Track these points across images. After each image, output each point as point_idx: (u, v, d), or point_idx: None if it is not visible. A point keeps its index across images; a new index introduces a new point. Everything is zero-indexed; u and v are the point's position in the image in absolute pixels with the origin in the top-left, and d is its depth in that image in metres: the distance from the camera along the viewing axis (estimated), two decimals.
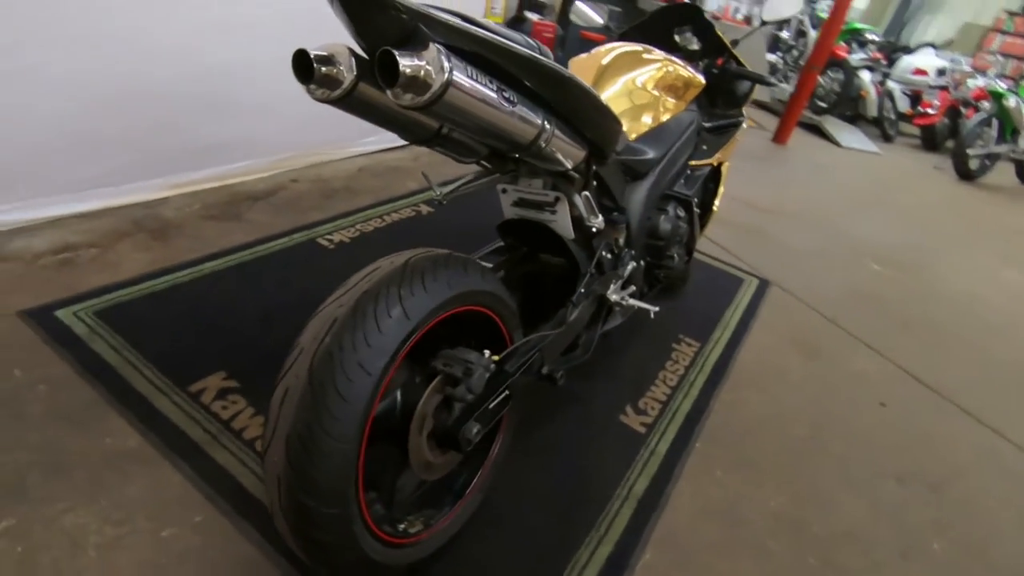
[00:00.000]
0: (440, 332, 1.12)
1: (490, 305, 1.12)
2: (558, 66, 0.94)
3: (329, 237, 2.26)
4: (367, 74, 0.87)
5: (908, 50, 7.89)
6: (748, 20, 9.01)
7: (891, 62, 7.48)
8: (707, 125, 1.85)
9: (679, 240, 1.67)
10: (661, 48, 1.84)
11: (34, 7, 1.73)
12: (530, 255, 1.51)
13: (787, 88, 6.49)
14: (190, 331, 1.64)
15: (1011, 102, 5.85)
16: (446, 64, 0.77)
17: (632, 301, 1.51)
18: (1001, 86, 6.06)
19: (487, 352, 1.07)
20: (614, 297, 1.47)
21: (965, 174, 5.93)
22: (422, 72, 0.77)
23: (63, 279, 1.75)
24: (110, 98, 1.96)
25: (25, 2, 1.71)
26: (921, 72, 7.09)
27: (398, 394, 1.04)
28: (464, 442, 1.04)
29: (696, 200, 1.82)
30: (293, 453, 0.84)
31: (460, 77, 0.80)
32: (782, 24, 8.17)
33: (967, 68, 7.56)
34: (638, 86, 1.58)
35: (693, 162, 1.75)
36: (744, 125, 1.97)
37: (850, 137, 6.39)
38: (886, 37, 8.96)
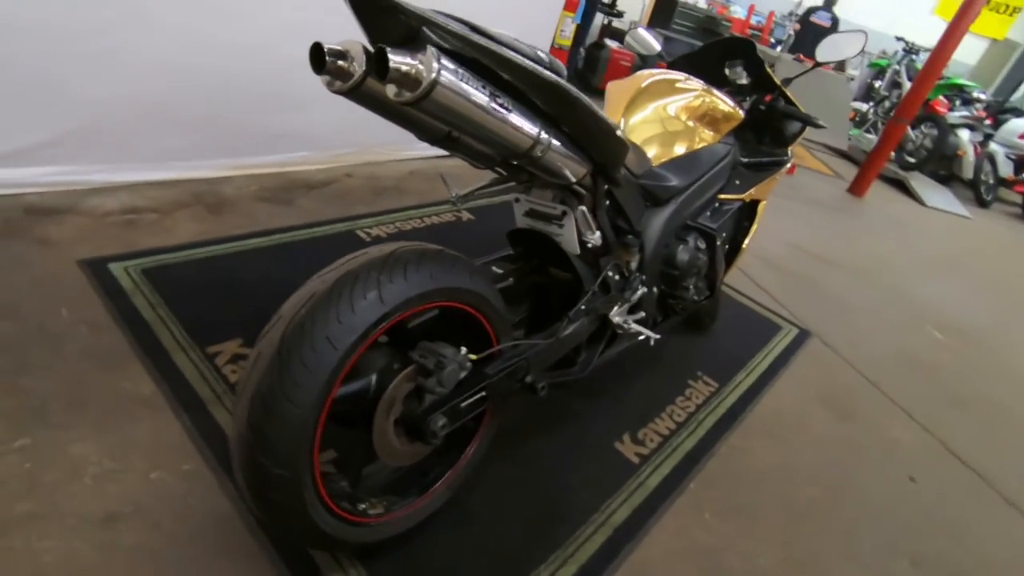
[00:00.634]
0: (433, 327, 1.17)
1: (477, 306, 1.14)
2: (559, 80, 0.97)
3: (368, 230, 2.37)
4: (375, 70, 0.93)
5: (1018, 113, 7.34)
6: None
7: (997, 124, 6.98)
8: (744, 160, 1.81)
9: (696, 272, 1.64)
10: (709, 80, 1.83)
11: None
12: (540, 267, 1.53)
13: (873, 139, 6.19)
14: (220, 298, 1.76)
15: None
16: (435, 64, 0.82)
17: (634, 326, 1.49)
18: None
19: (463, 349, 1.10)
20: (616, 319, 1.46)
21: None
22: (413, 70, 0.82)
23: (123, 237, 1.93)
24: (189, 83, 2.15)
25: None
26: None
27: (373, 378, 1.08)
28: (429, 433, 1.06)
29: (724, 235, 1.77)
30: (254, 413, 0.89)
31: (449, 78, 0.84)
32: (879, 73, 7.83)
33: None
34: (669, 113, 1.57)
35: (723, 195, 1.71)
36: (788, 165, 1.91)
37: (937, 197, 6.00)
38: (995, 97, 8.37)
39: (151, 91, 2.09)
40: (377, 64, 0.82)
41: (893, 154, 6.47)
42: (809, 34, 7.38)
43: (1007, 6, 9.30)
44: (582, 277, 1.39)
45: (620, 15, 5.84)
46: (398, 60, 0.81)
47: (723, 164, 1.68)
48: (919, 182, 6.13)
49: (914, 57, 7.18)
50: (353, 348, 0.93)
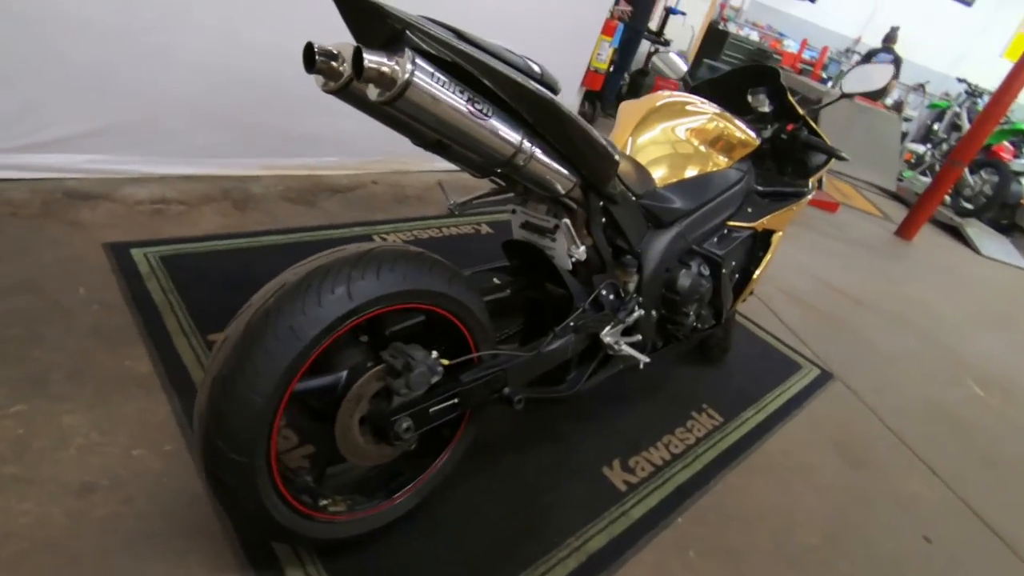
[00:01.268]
0: (419, 331, 1.18)
1: (455, 312, 1.14)
2: (541, 90, 0.97)
3: (384, 236, 2.41)
4: (353, 70, 0.95)
5: None
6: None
7: None
8: (760, 188, 1.76)
9: (698, 299, 1.59)
10: (732, 106, 1.81)
11: None
12: (537, 281, 1.52)
13: (927, 181, 5.94)
14: (229, 289, 1.80)
15: None
16: (409, 66, 0.84)
17: (626, 348, 1.45)
18: None
19: (435, 353, 1.09)
20: (608, 339, 1.43)
21: None
22: (389, 71, 0.84)
23: (149, 225, 2.02)
24: (227, 84, 2.27)
25: None
26: None
27: (344, 374, 1.09)
28: (392, 435, 1.06)
29: (733, 264, 1.72)
30: (214, 395, 0.91)
31: (423, 79, 0.85)
32: (940, 115, 7.54)
33: None
34: (677, 135, 1.55)
35: (733, 222, 1.66)
36: (808, 198, 1.85)
37: (994, 246, 5.68)
38: None
39: (190, 90, 2.21)
40: (354, 64, 0.84)
41: (949, 199, 6.20)
42: None
43: None
44: (573, 293, 1.37)
45: (667, 43, 5.83)
46: (373, 60, 0.83)
47: (734, 190, 1.64)
48: (975, 229, 5.82)
49: (977, 100, 6.88)
50: (316, 340, 0.94)
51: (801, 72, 6.17)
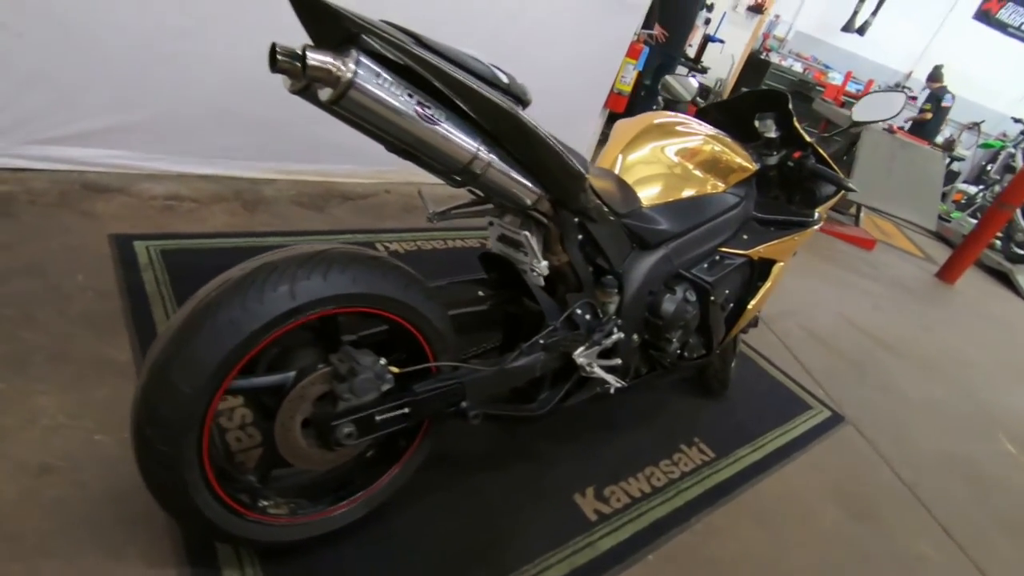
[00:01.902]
0: (383, 339, 1.17)
1: (411, 320, 1.12)
2: (498, 97, 0.96)
3: (387, 244, 2.42)
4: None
5: None
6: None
7: None
8: (759, 215, 1.69)
9: (683, 326, 1.52)
10: (739, 130, 1.75)
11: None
12: (516, 296, 1.49)
13: (975, 223, 5.65)
14: None
15: None
16: (352, 66, 0.83)
17: (599, 370, 1.40)
18: None
19: (383, 360, 1.07)
20: (581, 360, 1.38)
21: None
22: (334, 70, 0.84)
23: (158, 219, 2.09)
24: (248, 89, 2.33)
25: None
26: None
27: (293, 375, 1.07)
28: (332, 439, 1.04)
29: (727, 292, 1.65)
30: (148, 383, 0.91)
31: (366, 81, 0.85)
32: (994, 156, 7.20)
33: None
34: (667, 155, 1.50)
35: (725, 248, 1.60)
36: (813, 228, 1.76)
37: None
38: None
39: (212, 93, 2.29)
40: (301, 63, 0.84)
41: (1000, 244, 5.88)
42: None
43: None
44: (544, 309, 1.33)
45: (703, 71, 5.78)
46: (317, 59, 0.83)
47: (729, 215, 1.58)
48: None
49: None
50: (254, 337, 0.93)
51: (843, 105, 5.99)
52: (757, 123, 1.74)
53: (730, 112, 1.84)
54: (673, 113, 1.65)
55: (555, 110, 3.17)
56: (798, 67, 7.29)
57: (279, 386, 1.06)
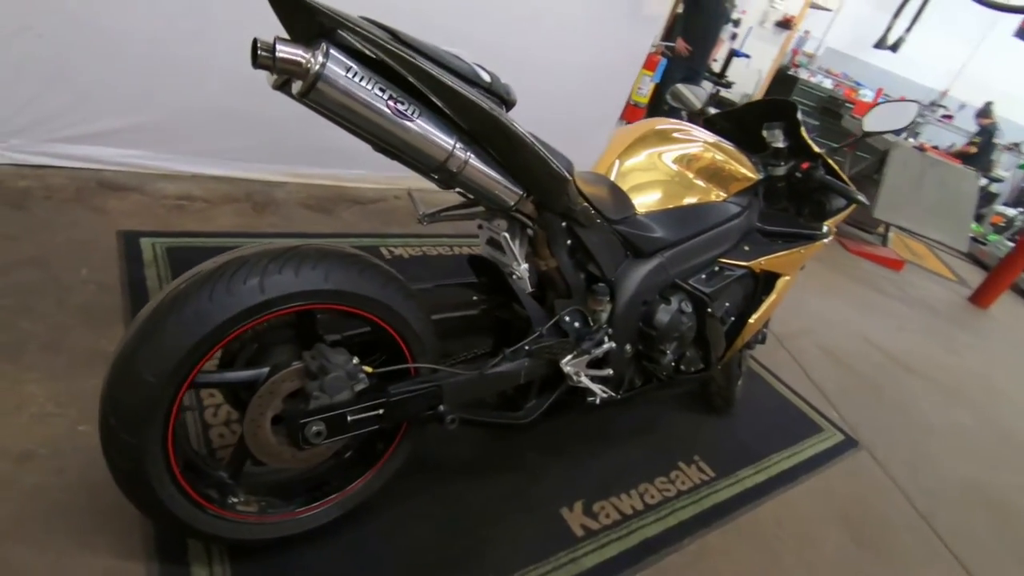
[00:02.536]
0: (367, 339, 1.16)
1: (388, 320, 1.10)
2: (474, 95, 0.94)
3: (392, 249, 2.43)
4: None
5: None
6: None
7: None
8: (762, 226, 1.63)
9: (677, 337, 1.47)
10: (746, 140, 1.71)
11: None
12: (506, 301, 1.46)
13: (1011, 245, 5.43)
14: None
15: None
16: (320, 58, 0.83)
17: (586, 380, 1.36)
18: None
19: (355, 359, 1.06)
20: (568, 369, 1.34)
21: None
22: (304, 62, 0.84)
23: (168, 218, 2.13)
24: (262, 93, 2.37)
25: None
26: None
27: (267, 371, 1.07)
28: (300, 437, 1.02)
29: (727, 305, 1.60)
30: (114, 373, 0.91)
31: (335, 74, 0.84)
32: None
33: None
34: (665, 162, 1.47)
35: (725, 259, 1.55)
36: (821, 242, 1.70)
37: None
38: None
39: (227, 96, 2.34)
40: (271, 56, 0.84)
41: None
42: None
43: None
44: (531, 315, 1.30)
45: (728, 85, 5.71)
46: (286, 51, 0.83)
47: (729, 225, 1.53)
48: None
49: None
50: (221, 329, 0.92)
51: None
52: (765, 133, 1.69)
53: (737, 122, 1.79)
54: (674, 120, 1.62)
55: (569, 118, 3.16)
56: (828, 83, 7.15)
57: (253, 382, 1.05)
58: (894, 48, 7.82)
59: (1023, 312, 5.05)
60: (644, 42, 3.27)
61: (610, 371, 1.44)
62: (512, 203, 1.11)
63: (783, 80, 6.82)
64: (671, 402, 2.09)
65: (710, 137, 1.57)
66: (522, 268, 1.20)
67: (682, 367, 1.59)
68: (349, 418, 1.07)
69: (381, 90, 0.90)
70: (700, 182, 1.52)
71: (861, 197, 1.58)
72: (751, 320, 1.64)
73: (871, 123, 1.59)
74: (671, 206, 1.46)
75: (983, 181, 6.25)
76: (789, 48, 7.12)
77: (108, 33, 2.05)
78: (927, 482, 2.21)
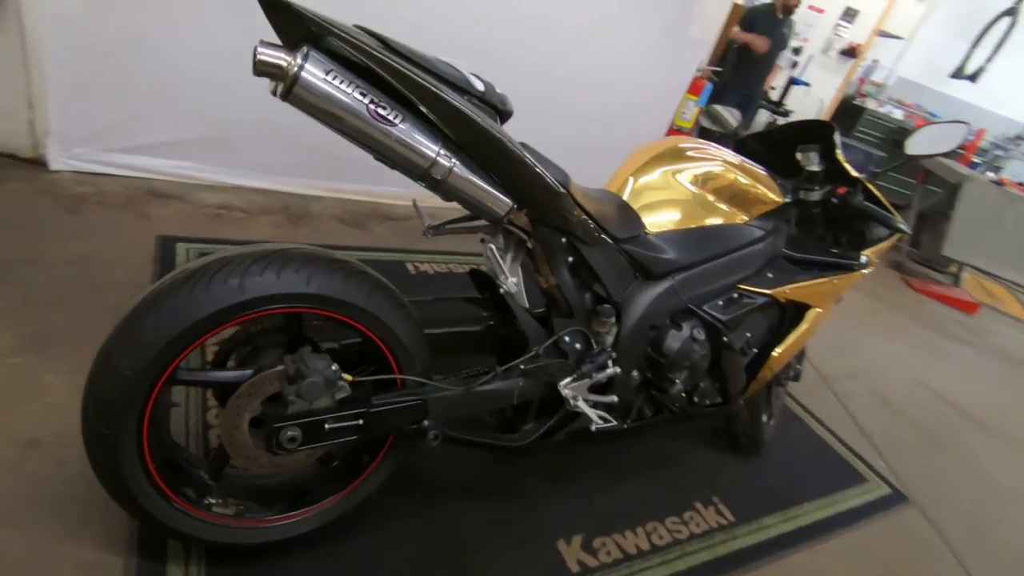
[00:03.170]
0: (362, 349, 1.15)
1: (373, 328, 1.08)
2: (458, 101, 0.93)
3: (418, 265, 2.44)
4: None
5: None
6: None
7: None
8: (790, 253, 1.52)
9: (688, 366, 1.38)
10: (780, 163, 1.62)
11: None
12: (509, 318, 1.42)
13: None
14: None
15: None
16: (299, 61, 0.83)
17: (583, 405, 1.29)
18: None
19: (335, 366, 1.04)
20: (566, 392, 1.28)
21: None
22: (285, 64, 0.85)
23: (207, 225, 2.23)
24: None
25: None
26: None
27: (250, 372, 1.07)
28: (275, 442, 1.01)
29: (748, 335, 1.49)
30: (96, 364, 0.94)
31: (313, 76, 0.85)
32: None
33: None
34: (679, 181, 1.40)
35: (745, 286, 1.45)
36: (859, 272, 1.57)
37: None
38: None
39: (272, 112, 2.41)
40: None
41: None
42: None
43: None
44: (527, 333, 1.25)
45: (786, 114, 5.52)
46: (267, 54, 0.84)
47: (751, 250, 1.44)
48: None
49: None
50: (198, 326, 0.93)
51: (947, 155, 5.48)
52: (799, 155, 1.59)
53: (771, 144, 1.70)
54: (695, 139, 1.55)
55: (611, 141, 3.12)
56: (898, 114, 6.78)
57: (237, 383, 1.05)
58: (973, 78, 7.35)
59: None
60: (690, 66, 3.21)
61: (615, 398, 1.37)
62: (502, 213, 1.08)
63: (849, 110, 6.52)
64: (693, 438, 1.97)
65: (733, 157, 1.49)
66: (510, 282, 1.17)
67: (695, 399, 1.49)
68: (327, 426, 1.06)
69: (362, 94, 0.90)
70: (718, 203, 1.44)
71: (903, 225, 1.46)
72: (775, 353, 1.52)
73: (915, 146, 1.47)
74: (685, 227, 1.39)
75: None
76: (855, 77, 6.82)
77: (164, 52, 2.20)
78: (987, 548, 1.97)
